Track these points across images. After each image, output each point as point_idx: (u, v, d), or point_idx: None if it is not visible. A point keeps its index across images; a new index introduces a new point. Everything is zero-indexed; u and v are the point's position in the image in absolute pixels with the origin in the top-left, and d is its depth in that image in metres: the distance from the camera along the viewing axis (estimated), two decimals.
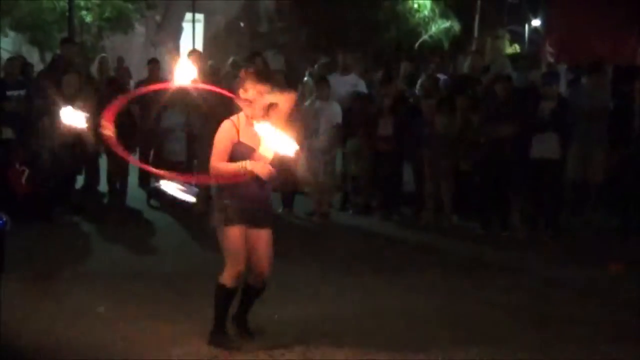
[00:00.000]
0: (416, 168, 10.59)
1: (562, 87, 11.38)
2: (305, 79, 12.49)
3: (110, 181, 10.97)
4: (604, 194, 10.40)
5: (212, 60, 13.18)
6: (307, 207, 10.72)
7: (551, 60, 12.69)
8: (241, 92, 5.52)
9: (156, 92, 11.39)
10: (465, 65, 12.67)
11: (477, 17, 26.33)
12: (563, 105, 9.78)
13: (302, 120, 9.76)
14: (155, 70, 12.13)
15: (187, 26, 23.47)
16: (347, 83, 11.43)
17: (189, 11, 22.93)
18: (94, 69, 11.65)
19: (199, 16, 23.86)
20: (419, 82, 11.74)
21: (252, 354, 5.60)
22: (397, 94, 11.04)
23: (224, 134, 5.52)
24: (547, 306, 6.91)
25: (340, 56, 12.22)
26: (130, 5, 18.27)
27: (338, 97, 10.88)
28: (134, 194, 11.23)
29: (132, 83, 13.51)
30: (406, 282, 7.54)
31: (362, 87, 11.67)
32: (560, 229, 9.61)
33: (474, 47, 20.23)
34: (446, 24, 25.42)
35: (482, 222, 9.92)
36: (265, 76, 5.59)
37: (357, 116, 10.71)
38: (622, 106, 10.16)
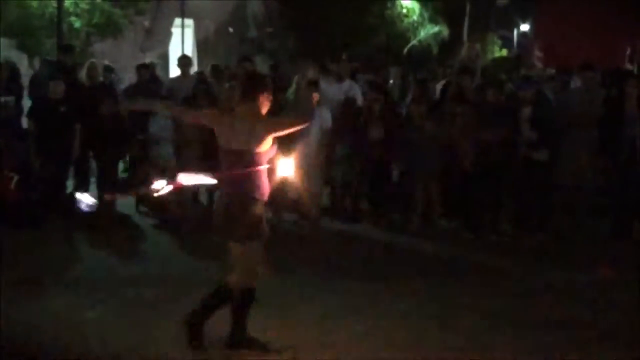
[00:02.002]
0: (405, 173, 10.60)
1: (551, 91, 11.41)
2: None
3: (99, 186, 10.95)
4: (594, 199, 10.41)
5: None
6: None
7: (539, 64, 12.75)
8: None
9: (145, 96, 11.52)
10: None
11: (466, 22, 26.45)
12: (548, 108, 9.79)
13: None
14: (144, 75, 12.15)
15: (176, 31, 23.46)
16: (342, 90, 11.35)
17: (178, 16, 22.92)
18: (83, 74, 11.61)
19: (188, 21, 23.84)
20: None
21: (242, 358, 5.61)
22: (387, 99, 11.03)
23: None
24: (536, 310, 6.93)
25: (336, 65, 12.17)
26: (119, 11, 18.21)
27: (334, 104, 10.83)
28: (123, 200, 11.19)
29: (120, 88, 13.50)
30: (395, 287, 7.54)
31: (357, 92, 11.55)
32: (549, 233, 9.63)
33: (462, 52, 20.31)
34: (435, 29, 25.49)
35: (472, 226, 9.93)
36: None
37: (347, 121, 10.71)
38: (613, 111, 10.16)
